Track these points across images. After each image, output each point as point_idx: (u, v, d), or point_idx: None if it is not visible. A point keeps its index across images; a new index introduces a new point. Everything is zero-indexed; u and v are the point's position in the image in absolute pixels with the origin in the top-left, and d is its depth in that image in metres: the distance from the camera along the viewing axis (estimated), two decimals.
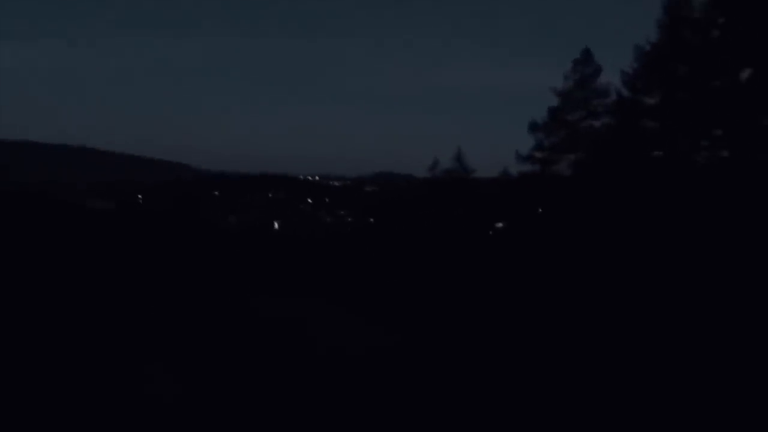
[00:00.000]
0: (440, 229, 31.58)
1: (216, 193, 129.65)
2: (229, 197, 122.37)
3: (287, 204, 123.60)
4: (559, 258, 19.49)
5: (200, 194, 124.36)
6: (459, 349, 11.62)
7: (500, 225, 33.60)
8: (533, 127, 23.62)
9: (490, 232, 32.47)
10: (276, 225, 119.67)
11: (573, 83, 22.87)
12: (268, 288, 21.35)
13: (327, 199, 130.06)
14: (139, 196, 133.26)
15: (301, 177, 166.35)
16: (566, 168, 23.32)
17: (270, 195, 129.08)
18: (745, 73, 15.83)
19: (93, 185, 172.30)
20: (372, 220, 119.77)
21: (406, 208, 37.43)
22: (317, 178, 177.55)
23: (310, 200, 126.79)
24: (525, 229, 25.18)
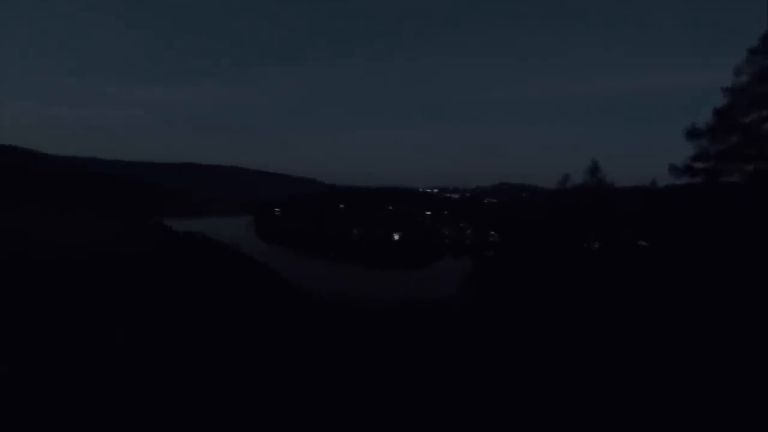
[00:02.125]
0: (576, 246, 28.66)
1: (342, 206, 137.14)
2: (353, 210, 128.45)
3: (407, 216, 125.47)
4: (729, 287, 16.13)
5: (327, 207, 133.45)
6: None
7: (644, 244, 29.43)
8: (693, 134, 19.95)
9: (636, 253, 28.57)
10: (396, 236, 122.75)
11: (749, 77, 18.87)
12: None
13: (446, 212, 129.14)
14: (276, 209, 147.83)
15: (420, 190, 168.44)
16: (739, 180, 19.25)
17: (391, 208, 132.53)
18: None
19: (237, 200, 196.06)
20: (493, 232, 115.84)
21: (533, 222, 34.91)
22: (436, 190, 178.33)
23: (429, 212, 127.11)
24: (683, 250, 21.49)
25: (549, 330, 15.39)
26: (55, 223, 30.48)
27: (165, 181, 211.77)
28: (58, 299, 14.33)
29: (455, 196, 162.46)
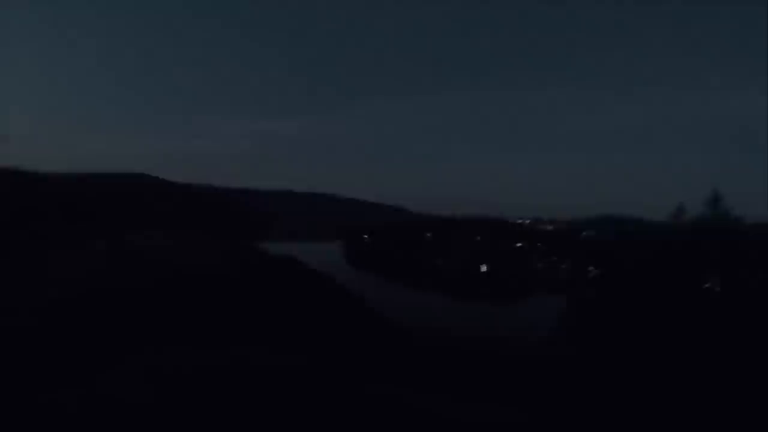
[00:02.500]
0: (694, 289, 24.96)
1: (428, 235, 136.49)
2: (440, 240, 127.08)
3: (496, 248, 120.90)
4: None
5: (414, 236, 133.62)
6: None
7: None
8: None
9: None
10: (483, 268, 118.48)
11: None
12: None
13: (539, 244, 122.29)
14: (365, 236, 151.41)
15: (511, 220, 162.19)
16: None
17: (478, 238, 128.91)
18: None
19: (328, 226, 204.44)
20: (592, 268, 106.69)
21: (642, 260, 31.18)
22: (528, 221, 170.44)
23: (519, 244, 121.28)
24: None
25: (664, 390, 13.13)
26: (171, 242, 33.45)
27: (265, 207, 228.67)
28: (170, 310, 15.36)
29: (549, 227, 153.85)
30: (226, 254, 31.75)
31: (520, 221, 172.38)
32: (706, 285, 26.40)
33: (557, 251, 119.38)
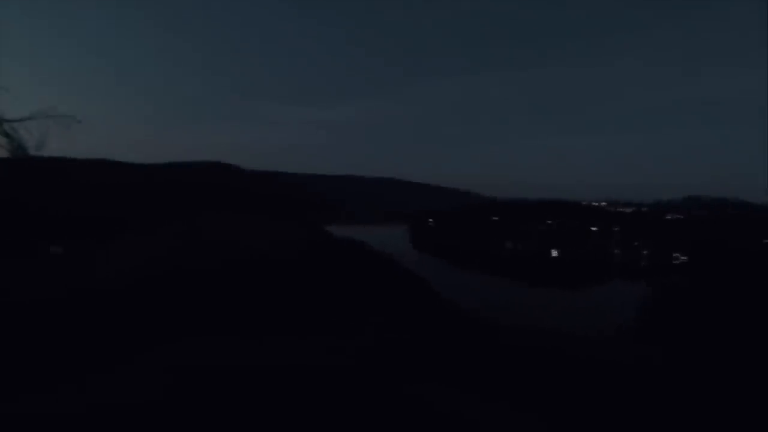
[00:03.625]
0: None
1: (495, 218, 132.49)
2: (508, 223, 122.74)
3: (569, 231, 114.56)
4: None
5: (481, 220, 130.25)
6: None
7: None
8: None
9: None
10: (554, 253, 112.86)
11: None
12: None
13: (616, 228, 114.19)
14: (430, 220, 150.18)
15: (584, 203, 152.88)
16: None
17: (550, 222, 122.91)
18: None
19: (393, 210, 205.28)
20: (683, 257, 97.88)
21: (750, 250, 27.35)
22: (604, 204, 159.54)
23: (594, 228, 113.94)
24: None
25: None
26: (244, 225, 34.59)
27: (330, 192, 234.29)
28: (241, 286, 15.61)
29: (628, 210, 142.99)
30: (293, 236, 32.33)
31: (594, 204, 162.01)
32: None
33: (637, 235, 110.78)
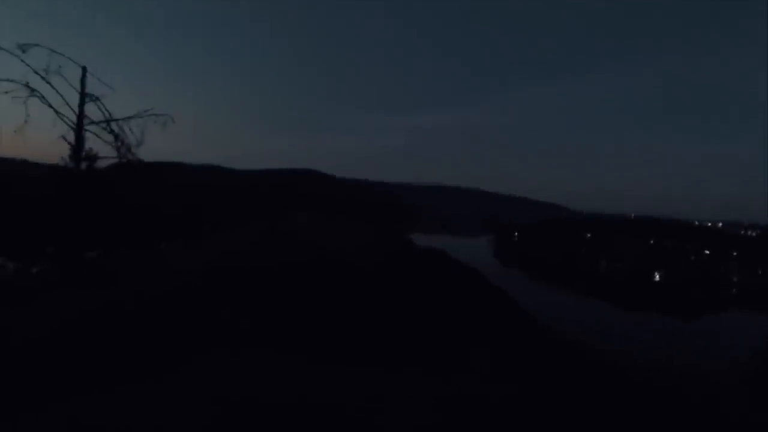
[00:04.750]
0: None
1: (588, 235, 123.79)
2: (603, 240, 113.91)
3: (675, 253, 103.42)
4: None
5: (572, 235, 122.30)
6: None
7: None
8: None
9: None
10: (657, 276, 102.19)
11: None
12: None
13: (735, 252, 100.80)
14: (516, 233, 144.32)
15: (697, 222, 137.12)
16: None
17: (652, 242, 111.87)
18: None
19: (477, 221, 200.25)
20: None
21: None
22: (720, 224, 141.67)
23: (708, 251, 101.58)
24: None
25: None
26: (324, 226, 35.72)
27: (414, 200, 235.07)
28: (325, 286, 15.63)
29: (752, 233, 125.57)
30: (374, 240, 32.63)
31: (709, 224, 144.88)
32: None
33: (761, 261, 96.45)
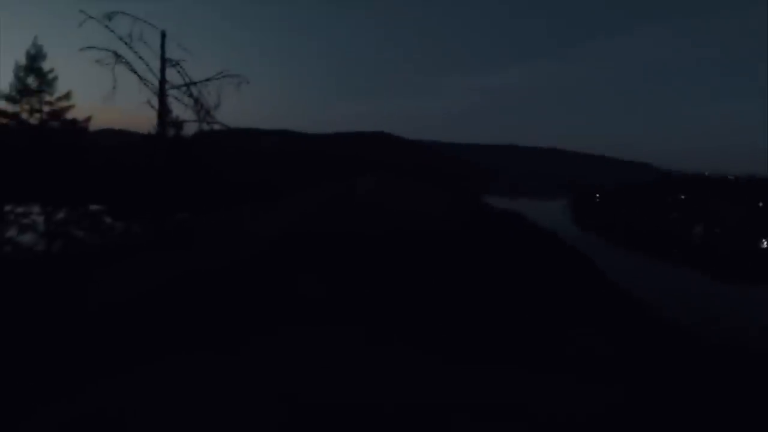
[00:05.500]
0: None
1: (683, 197, 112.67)
2: (699, 203, 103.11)
3: None
4: None
5: (662, 198, 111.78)
6: None
7: None
8: None
9: None
10: (765, 243, 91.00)
11: None
12: None
13: None
14: (597, 195, 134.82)
15: None
16: None
17: (761, 204, 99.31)
18: None
19: (555, 183, 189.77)
20: None
21: None
22: None
23: None
24: None
25: None
26: (400, 189, 35.12)
27: (488, 162, 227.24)
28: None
29: None
30: (450, 204, 31.66)
31: None
32: None
33: None
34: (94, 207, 23.18)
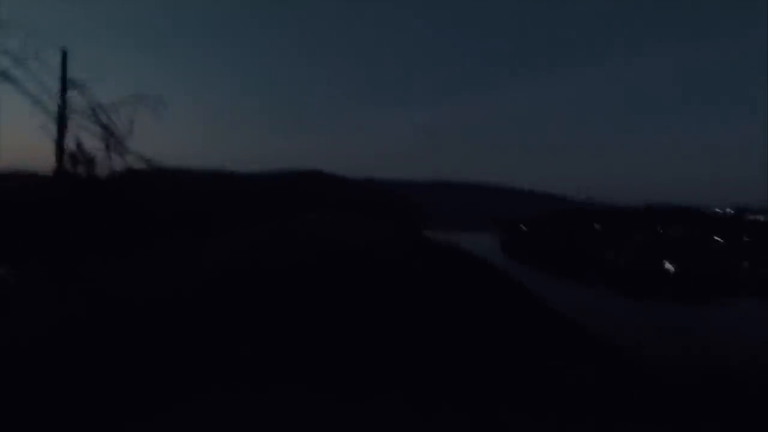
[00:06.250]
0: None
1: (597, 226, 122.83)
2: (610, 231, 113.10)
3: (686, 242, 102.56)
4: None
5: (579, 227, 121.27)
6: None
7: None
8: None
9: None
10: (668, 266, 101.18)
11: None
12: None
13: (746, 239, 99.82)
14: (522, 226, 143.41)
15: (705, 210, 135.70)
16: None
17: (660, 230, 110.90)
18: None
19: (482, 216, 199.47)
20: None
21: None
22: (731, 211, 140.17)
23: (720, 239, 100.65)
24: None
25: None
26: (342, 223, 35.27)
27: (422, 197, 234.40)
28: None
29: (761, 218, 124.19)
30: (394, 235, 32.11)
31: (718, 211, 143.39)
32: None
33: None
34: None
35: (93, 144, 13.67)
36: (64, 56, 12.49)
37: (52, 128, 12.46)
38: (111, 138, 13.04)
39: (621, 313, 46.67)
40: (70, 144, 13.35)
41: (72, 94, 12.56)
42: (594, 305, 49.15)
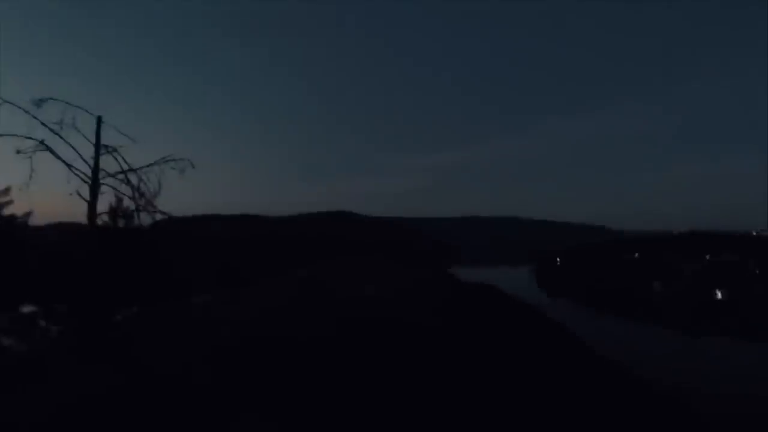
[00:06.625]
0: None
1: (636, 255, 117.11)
2: (652, 260, 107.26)
3: (736, 268, 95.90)
4: None
5: (618, 257, 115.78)
6: None
7: None
8: None
9: None
10: (719, 294, 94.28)
11: None
12: None
13: None
14: (558, 259, 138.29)
15: (755, 233, 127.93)
16: None
17: (708, 257, 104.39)
18: None
19: (516, 251, 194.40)
20: None
21: None
22: None
23: None
24: None
25: None
26: (368, 271, 34.26)
27: (451, 234, 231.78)
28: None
29: None
30: (418, 282, 30.87)
31: (765, 232, 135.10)
32: None
33: None
34: (27, 309, 20.93)
35: (125, 203, 14.72)
36: (99, 124, 13.06)
37: (85, 191, 13.07)
38: (141, 198, 13.58)
39: (681, 356, 42.63)
40: (102, 205, 13.97)
41: (106, 159, 13.24)
42: (649, 346, 45.28)
